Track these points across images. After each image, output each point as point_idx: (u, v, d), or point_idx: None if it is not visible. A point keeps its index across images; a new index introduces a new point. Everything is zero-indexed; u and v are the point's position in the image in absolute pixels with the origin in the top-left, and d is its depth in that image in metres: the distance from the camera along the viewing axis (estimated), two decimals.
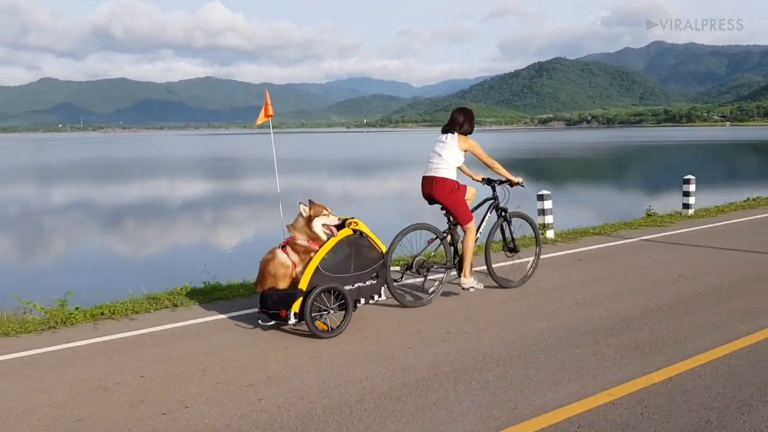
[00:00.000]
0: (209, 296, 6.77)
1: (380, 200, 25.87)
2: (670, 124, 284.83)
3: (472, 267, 6.66)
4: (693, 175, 13.01)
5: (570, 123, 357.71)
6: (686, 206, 12.70)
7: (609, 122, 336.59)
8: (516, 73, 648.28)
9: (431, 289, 6.58)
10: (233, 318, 6.03)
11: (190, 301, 6.62)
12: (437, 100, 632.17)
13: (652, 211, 12.56)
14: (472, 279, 6.63)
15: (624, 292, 6.70)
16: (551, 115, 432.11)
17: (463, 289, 6.63)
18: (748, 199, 15.09)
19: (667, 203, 15.30)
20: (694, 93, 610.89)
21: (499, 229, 7.08)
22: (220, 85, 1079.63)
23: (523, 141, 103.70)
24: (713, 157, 55.43)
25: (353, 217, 5.92)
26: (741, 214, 12.72)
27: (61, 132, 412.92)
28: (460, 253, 6.68)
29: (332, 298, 5.50)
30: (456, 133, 6.55)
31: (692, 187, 12.78)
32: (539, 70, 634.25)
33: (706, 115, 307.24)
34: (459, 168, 6.62)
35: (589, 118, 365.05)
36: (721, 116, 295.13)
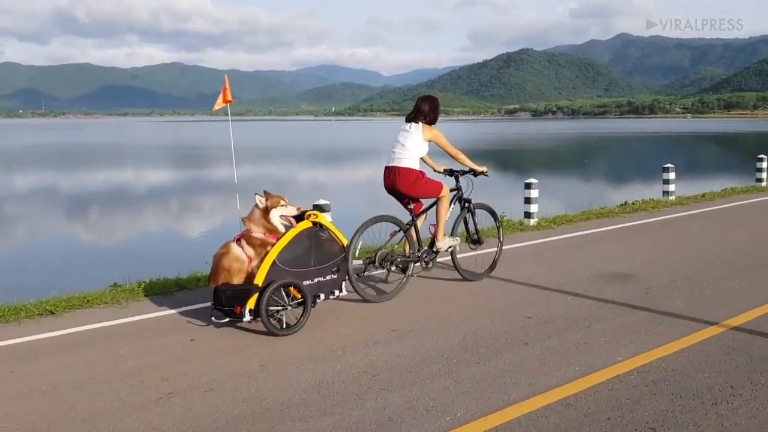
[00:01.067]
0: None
1: (345, 189, 25.66)
2: (633, 115, 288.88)
3: (444, 231, 6.58)
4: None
5: (536, 114, 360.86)
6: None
7: (574, 113, 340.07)
8: (484, 64, 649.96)
9: (395, 283, 6.38)
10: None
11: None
12: (406, 90, 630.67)
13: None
14: (449, 239, 6.56)
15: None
16: (518, 106, 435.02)
17: (444, 250, 6.51)
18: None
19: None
20: (658, 85, 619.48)
21: (462, 221, 6.92)
22: (187, 71, 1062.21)
23: (489, 132, 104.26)
24: (675, 149, 56.52)
25: (313, 209, 5.79)
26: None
27: (21, 118, 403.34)
28: (423, 244, 6.55)
29: (290, 294, 5.27)
30: (420, 123, 6.41)
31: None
32: (507, 60, 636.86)
33: (668, 107, 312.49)
34: (421, 159, 6.48)
35: (555, 109, 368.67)
36: (683, 108, 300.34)
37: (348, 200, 20.74)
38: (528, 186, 10.81)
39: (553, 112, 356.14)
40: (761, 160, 16.43)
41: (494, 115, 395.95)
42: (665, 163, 14.15)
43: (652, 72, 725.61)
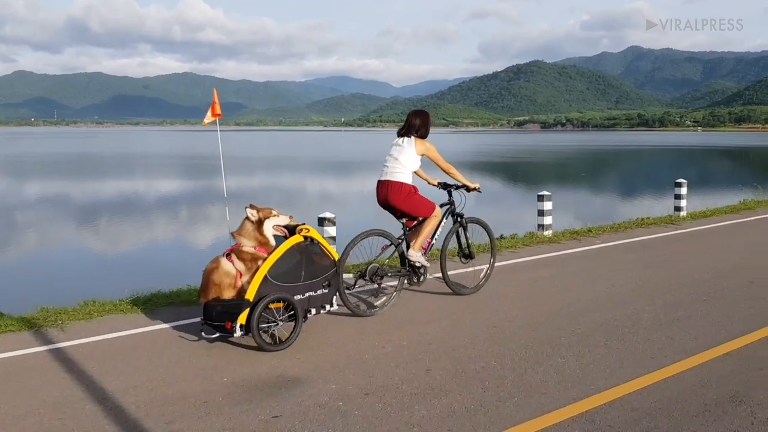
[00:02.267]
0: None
1: (352, 201, 25.15)
2: (643, 128, 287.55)
3: (422, 245, 6.44)
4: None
5: (545, 126, 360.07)
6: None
7: (584, 126, 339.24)
8: (494, 75, 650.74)
9: (385, 298, 6.32)
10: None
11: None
12: (416, 101, 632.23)
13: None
14: (420, 254, 6.38)
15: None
16: (527, 118, 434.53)
17: (412, 260, 6.35)
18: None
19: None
20: (669, 98, 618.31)
21: (454, 235, 6.90)
22: (198, 81, 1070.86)
23: (493, 144, 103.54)
24: (686, 163, 55.55)
25: (304, 223, 5.67)
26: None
27: (33, 126, 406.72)
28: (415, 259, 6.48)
29: (281, 309, 5.19)
30: (412, 137, 6.37)
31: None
32: (517, 72, 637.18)
33: (678, 120, 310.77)
34: (415, 172, 6.45)
35: (564, 121, 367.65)
36: (693, 122, 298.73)
37: (355, 212, 20.23)
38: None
39: (563, 124, 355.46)
40: None
41: (503, 126, 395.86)
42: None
43: (663, 85, 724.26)
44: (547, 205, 10.68)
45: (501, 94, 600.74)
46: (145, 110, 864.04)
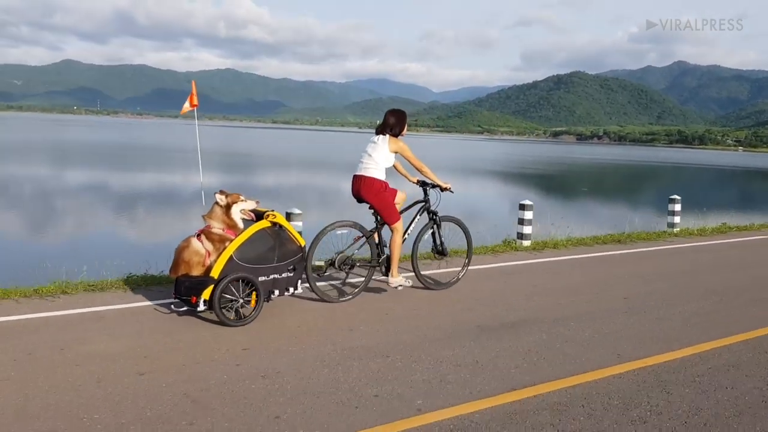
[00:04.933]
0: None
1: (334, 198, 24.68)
2: (681, 145, 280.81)
3: (398, 266, 6.77)
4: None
5: (581, 138, 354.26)
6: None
7: (620, 139, 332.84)
8: (534, 84, 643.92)
9: (354, 287, 6.67)
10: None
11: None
12: (453, 106, 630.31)
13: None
14: (401, 278, 6.73)
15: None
16: (565, 129, 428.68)
17: (393, 287, 6.74)
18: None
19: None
20: (713, 116, 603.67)
21: (429, 232, 7.16)
22: (240, 77, 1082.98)
23: (510, 152, 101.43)
24: (689, 182, 53.10)
25: (272, 210, 5.94)
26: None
27: (75, 114, 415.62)
28: (387, 252, 6.77)
29: (245, 288, 5.54)
30: (387, 135, 6.68)
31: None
32: (557, 82, 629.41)
33: (720, 138, 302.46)
34: (395, 168, 6.86)
35: (601, 133, 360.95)
36: (735, 141, 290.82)
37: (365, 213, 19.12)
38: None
39: (599, 137, 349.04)
40: None
41: (539, 136, 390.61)
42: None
43: (707, 102, 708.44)
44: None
45: (540, 103, 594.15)
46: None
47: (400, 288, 6.72)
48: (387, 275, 6.76)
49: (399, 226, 6.64)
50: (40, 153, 47.64)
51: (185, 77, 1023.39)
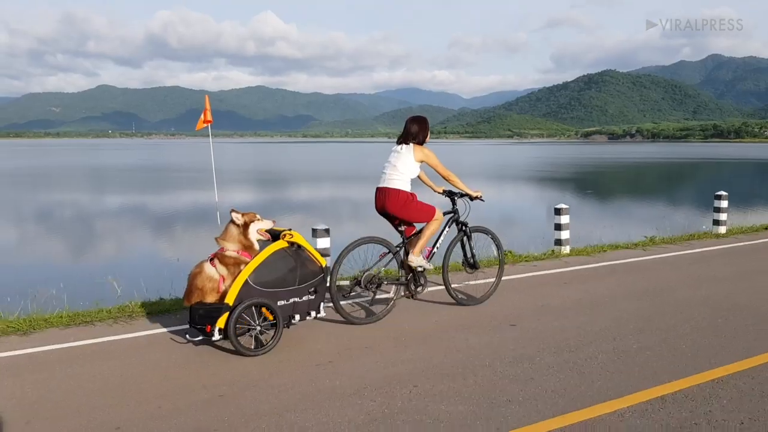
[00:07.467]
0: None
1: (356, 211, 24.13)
2: (717, 139, 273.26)
3: (422, 249, 6.35)
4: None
5: (613, 137, 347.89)
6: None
7: (654, 137, 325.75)
8: (564, 85, 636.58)
9: (382, 306, 6.31)
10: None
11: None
12: (482, 112, 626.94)
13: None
14: (421, 258, 6.31)
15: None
16: (597, 129, 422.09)
17: (413, 266, 6.26)
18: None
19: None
20: (750, 109, 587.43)
21: (459, 244, 6.80)
22: (271, 94, 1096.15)
23: (534, 155, 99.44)
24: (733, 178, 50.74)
25: (290, 229, 5.60)
26: None
27: (110, 138, 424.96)
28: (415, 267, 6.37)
29: (262, 314, 5.24)
30: (411, 144, 6.29)
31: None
32: (588, 82, 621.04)
33: (757, 131, 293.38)
34: (420, 178, 6.49)
35: (633, 132, 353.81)
36: None
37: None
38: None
39: (632, 135, 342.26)
40: None
41: (570, 137, 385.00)
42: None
43: (745, 95, 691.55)
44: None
45: (571, 104, 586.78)
46: (218, 123, 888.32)
47: (420, 269, 6.28)
48: (416, 292, 6.42)
49: (439, 215, 6.29)
50: (62, 178, 47.73)
51: (217, 96, 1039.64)
